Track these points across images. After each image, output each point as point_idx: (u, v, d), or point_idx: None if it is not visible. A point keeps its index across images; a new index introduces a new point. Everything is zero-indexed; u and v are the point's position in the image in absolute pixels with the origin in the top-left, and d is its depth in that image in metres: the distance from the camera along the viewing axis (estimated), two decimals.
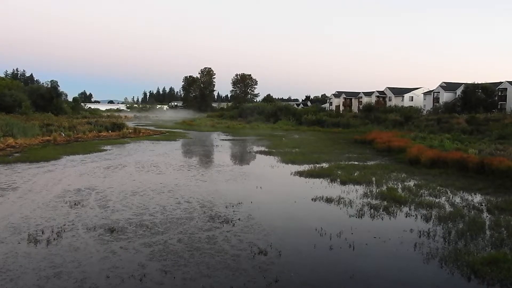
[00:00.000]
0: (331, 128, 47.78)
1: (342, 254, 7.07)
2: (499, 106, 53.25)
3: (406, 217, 9.56)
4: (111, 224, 8.52)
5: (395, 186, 13.05)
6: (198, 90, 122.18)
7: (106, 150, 22.85)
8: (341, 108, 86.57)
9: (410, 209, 10.16)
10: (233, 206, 10.25)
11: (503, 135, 27.13)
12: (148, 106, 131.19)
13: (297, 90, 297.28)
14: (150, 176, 14.79)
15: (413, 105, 64.21)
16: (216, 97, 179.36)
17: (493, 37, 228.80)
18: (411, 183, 13.78)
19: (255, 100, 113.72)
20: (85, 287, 5.57)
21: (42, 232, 7.90)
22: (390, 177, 14.89)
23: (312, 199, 11.14)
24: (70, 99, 76.31)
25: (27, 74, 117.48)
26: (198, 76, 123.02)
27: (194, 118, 72.76)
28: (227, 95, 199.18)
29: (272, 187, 13.15)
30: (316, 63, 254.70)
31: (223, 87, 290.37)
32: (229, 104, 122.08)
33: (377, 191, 12.19)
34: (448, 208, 10.29)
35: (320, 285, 5.82)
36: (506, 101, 53.21)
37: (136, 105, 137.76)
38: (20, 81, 79.88)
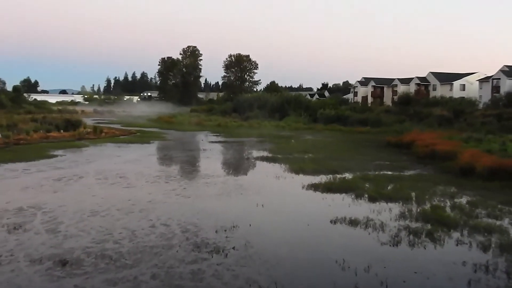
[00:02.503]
0: (355, 126, 47.78)
1: None
2: None
3: (457, 245, 9.54)
4: (63, 254, 8.49)
5: (442, 204, 13.03)
6: (179, 76, 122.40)
7: (57, 155, 22.86)
8: (369, 99, 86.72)
9: (462, 235, 10.14)
10: (225, 230, 10.23)
11: None
12: (112, 97, 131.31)
13: (310, 76, 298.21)
14: (116, 190, 14.76)
15: (466, 96, 64.30)
16: (203, 85, 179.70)
17: None
18: (463, 200, 13.76)
19: (254, 90, 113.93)
20: None
21: None
22: (435, 192, 14.86)
23: (331, 221, 11.12)
24: (9, 88, 76.57)
25: None
26: (180, 57, 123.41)
27: (174, 114, 72.79)
28: (217, 82, 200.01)
29: (277, 204, 13.12)
30: (335, 41, 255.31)
31: (212, 72, 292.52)
32: (221, 94, 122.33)
33: (418, 210, 12.16)
34: None
35: None
36: None
37: (96, 96, 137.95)
38: None
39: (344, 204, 13.09)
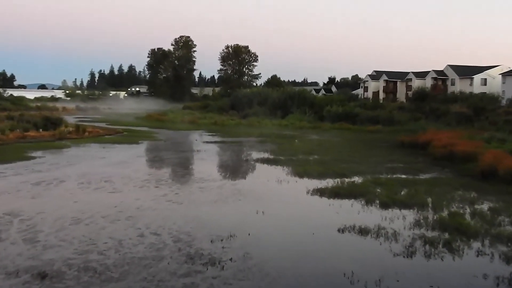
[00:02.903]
0: (366, 125, 47.82)
1: None
2: None
3: (478, 256, 9.55)
4: (41, 266, 8.49)
5: (461, 211, 13.05)
6: (170, 70, 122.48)
7: (35, 157, 22.86)
8: (381, 95, 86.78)
9: (483, 245, 10.15)
10: (222, 240, 10.23)
11: None
12: (97, 93, 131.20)
13: (316, 70, 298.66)
14: (100, 195, 14.77)
15: (487, 91, 64.33)
16: (197, 79, 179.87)
17: None
18: (485, 206, 13.79)
19: (254, 84, 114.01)
20: None
21: None
22: (453, 197, 14.89)
23: (338, 230, 11.13)
24: None
25: None
26: (171, 49, 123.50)
27: (165, 111, 72.78)
28: (213, 76, 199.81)
29: (279, 211, 13.13)
30: (343, 31, 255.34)
31: (207, 65, 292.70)
32: (217, 90, 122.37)
33: (435, 218, 12.18)
34: None
35: None
36: None
37: (79, 92, 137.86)
38: None
39: (353, 211, 13.10)
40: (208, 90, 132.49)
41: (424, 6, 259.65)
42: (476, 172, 18.99)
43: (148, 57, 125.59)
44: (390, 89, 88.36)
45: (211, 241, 10.12)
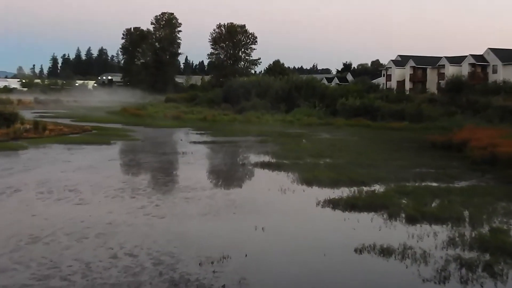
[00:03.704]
0: (388, 121, 47.89)
1: None
2: None
3: None
4: None
5: (505, 227, 13.03)
6: (150, 54, 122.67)
7: None
8: (408, 85, 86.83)
9: None
10: (212, 262, 10.22)
11: None
12: (60, 82, 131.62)
13: (328, 54, 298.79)
14: (64, 208, 14.74)
15: None
16: (183, 66, 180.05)
17: None
18: None
19: (252, 72, 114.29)
20: None
21: None
22: (495, 209, 14.88)
23: (355, 250, 11.11)
24: None
25: None
26: (151, 28, 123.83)
27: (144, 104, 72.89)
28: (202, 62, 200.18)
29: (282, 227, 13.12)
30: (361, 8, 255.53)
31: (195, 48, 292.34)
32: (207, 78, 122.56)
33: (473, 235, 12.16)
34: None
35: None
36: None
37: (38, 81, 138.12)
38: None
39: (373, 227, 13.08)
40: (196, 79, 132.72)
41: None
42: None
43: (122, 38, 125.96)
44: (418, 78, 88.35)
45: (199, 264, 10.11)
